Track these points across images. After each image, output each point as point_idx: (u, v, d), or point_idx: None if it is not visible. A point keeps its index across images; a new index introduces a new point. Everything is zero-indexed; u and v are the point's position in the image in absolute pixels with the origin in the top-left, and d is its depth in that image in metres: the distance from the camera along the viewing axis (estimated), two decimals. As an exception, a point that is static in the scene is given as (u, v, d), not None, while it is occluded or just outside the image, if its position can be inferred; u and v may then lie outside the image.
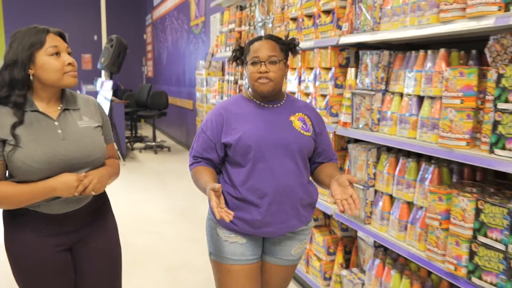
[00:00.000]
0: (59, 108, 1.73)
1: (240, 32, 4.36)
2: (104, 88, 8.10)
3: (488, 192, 1.81)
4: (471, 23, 1.72)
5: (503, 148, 1.63)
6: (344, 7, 2.60)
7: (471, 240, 1.75)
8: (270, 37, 1.87)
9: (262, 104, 1.90)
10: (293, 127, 1.86)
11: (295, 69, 3.13)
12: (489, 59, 1.76)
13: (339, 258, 2.78)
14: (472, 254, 1.74)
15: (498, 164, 1.64)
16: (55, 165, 1.63)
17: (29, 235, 1.70)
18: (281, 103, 1.92)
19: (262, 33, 3.74)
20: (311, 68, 2.93)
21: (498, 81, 1.65)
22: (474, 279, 1.73)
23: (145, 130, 11.87)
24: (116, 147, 1.87)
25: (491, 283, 1.67)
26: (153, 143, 8.99)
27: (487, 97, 1.73)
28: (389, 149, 2.39)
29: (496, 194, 1.77)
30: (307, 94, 2.94)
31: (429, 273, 2.22)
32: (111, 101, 7.60)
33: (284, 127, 1.86)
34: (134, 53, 13.40)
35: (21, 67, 1.61)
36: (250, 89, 1.92)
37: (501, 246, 1.63)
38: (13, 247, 1.73)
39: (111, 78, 8.42)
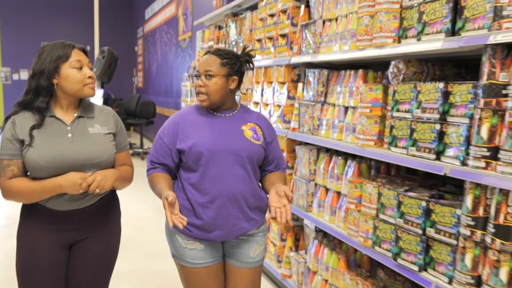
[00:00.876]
0: (75, 115, 1.89)
1: (217, 49, 4.88)
2: (95, 96, 8.56)
3: (390, 181, 2.32)
4: (375, 51, 2.25)
5: (396, 146, 2.15)
6: (295, 33, 3.14)
7: (375, 217, 2.26)
8: (215, 52, 1.98)
9: (215, 113, 2.02)
10: (243, 136, 1.99)
11: (258, 82, 3.66)
12: (390, 79, 2.28)
13: (289, 242, 3.28)
14: (375, 228, 2.25)
15: (393, 158, 2.15)
16: (61, 165, 1.78)
17: (35, 228, 1.87)
18: (234, 113, 2.05)
19: (234, 50, 4.27)
20: (271, 82, 3.46)
21: (393, 95, 2.17)
22: (377, 248, 2.24)
23: (133, 137, 12.33)
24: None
25: (386, 249, 2.18)
26: (140, 150, 9.46)
27: (388, 107, 2.25)
28: (327, 150, 2.91)
29: (395, 183, 2.29)
30: (267, 104, 3.47)
31: (355, 250, 2.73)
32: (101, 109, 8.07)
33: (235, 136, 1.97)
34: (126, 64, 13.93)
35: (47, 76, 1.78)
36: None
37: (392, 220, 2.14)
38: (20, 237, 1.91)
39: (102, 87, 8.92)
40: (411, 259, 2.03)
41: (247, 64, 2.05)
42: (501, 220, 1.62)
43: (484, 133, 1.68)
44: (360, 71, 2.49)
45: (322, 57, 2.72)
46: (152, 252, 4.11)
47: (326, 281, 2.75)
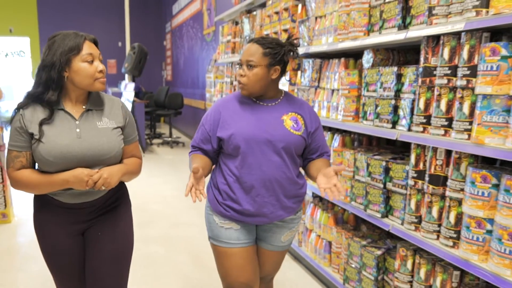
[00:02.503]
0: (83, 108, 1.86)
1: (234, 43, 5.43)
2: (127, 90, 9.27)
3: (366, 150, 2.83)
4: (351, 42, 2.75)
5: (366, 119, 2.65)
6: (294, 28, 3.66)
7: (351, 178, 2.78)
8: (258, 41, 1.97)
9: (257, 102, 2.03)
10: (283, 126, 1.98)
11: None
12: (364, 65, 2.78)
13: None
14: (352, 187, 2.77)
15: (364, 129, 2.66)
16: (69, 161, 1.76)
17: (48, 217, 1.90)
18: (277, 102, 2.05)
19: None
20: (277, 71, 3.98)
21: (364, 78, 2.67)
22: (353, 203, 2.76)
23: (163, 128, 13.05)
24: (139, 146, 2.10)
25: (359, 203, 2.69)
26: (169, 139, 10.12)
27: (362, 89, 2.76)
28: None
29: (370, 151, 2.80)
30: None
31: (344, 210, 3.25)
32: (133, 101, 8.74)
33: (274, 125, 1.97)
34: (155, 58, 14.65)
35: (58, 69, 1.73)
36: None
37: (363, 179, 2.65)
38: (36, 226, 1.94)
39: (133, 81, 9.59)
40: (376, 208, 2.54)
41: (291, 53, 2.01)
42: (432, 170, 2.12)
43: (422, 104, 2.17)
44: (342, 60, 2.99)
45: (313, 49, 3.23)
46: (177, 222, 4.72)
47: (319, 236, 3.28)
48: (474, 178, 1.86)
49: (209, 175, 2.15)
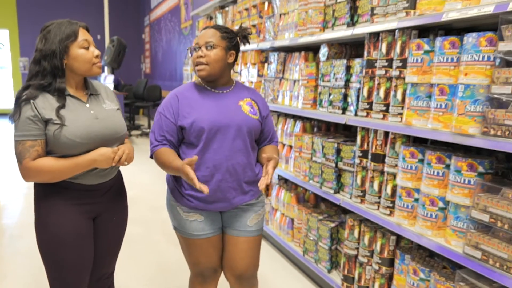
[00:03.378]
0: (85, 93, 1.91)
1: (209, 37, 5.69)
2: (106, 82, 9.45)
3: (323, 135, 3.15)
4: (308, 38, 3.05)
5: (322, 106, 2.96)
6: (261, 23, 3.95)
7: (309, 160, 3.09)
8: (214, 27, 2.02)
9: (212, 90, 2.05)
10: (242, 111, 2.03)
11: (238, 64, 4.48)
12: (320, 58, 3.09)
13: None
14: (310, 168, 3.09)
15: (320, 115, 2.97)
16: (93, 140, 1.80)
17: (60, 205, 1.85)
18: (230, 89, 2.09)
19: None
20: (246, 63, 4.28)
21: (320, 70, 2.98)
22: (311, 182, 3.08)
23: (142, 119, 13.24)
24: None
25: (316, 182, 3.01)
26: (148, 130, 10.34)
27: (319, 79, 3.07)
28: (285, 114, 3.73)
29: (326, 135, 3.11)
30: (243, 82, 4.29)
31: (306, 190, 3.57)
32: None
33: (234, 111, 2.01)
34: (134, 51, 14.79)
35: (59, 56, 1.76)
36: None
37: (320, 160, 2.97)
38: (43, 215, 1.87)
39: (112, 73, 9.78)
40: (329, 185, 2.86)
41: (244, 41, 2.11)
42: (374, 150, 2.45)
43: (365, 92, 2.49)
44: (303, 53, 3.30)
45: (278, 43, 3.53)
46: (154, 205, 5.00)
47: (283, 214, 3.60)
48: (404, 154, 2.19)
49: None
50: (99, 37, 13.87)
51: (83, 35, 1.82)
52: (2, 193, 5.20)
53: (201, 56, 1.96)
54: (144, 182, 6.07)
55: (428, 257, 2.28)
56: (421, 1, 2.06)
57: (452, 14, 1.88)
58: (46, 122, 1.75)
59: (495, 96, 1.70)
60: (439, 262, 2.21)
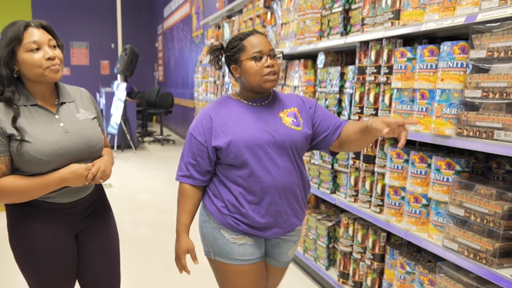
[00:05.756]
0: (55, 102, 1.73)
1: (217, 45, 5.89)
2: (119, 90, 9.70)
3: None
4: (306, 46, 3.22)
5: (319, 111, 3.12)
6: (265, 33, 4.13)
7: (308, 162, 3.24)
8: (261, 33, 1.81)
9: (249, 103, 1.83)
10: (283, 124, 1.81)
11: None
12: (318, 65, 3.25)
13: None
14: (308, 169, 3.24)
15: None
16: (62, 157, 1.64)
17: (37, 224, 1.71)
18: (268, 100, 1.86)
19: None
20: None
21: (318, 77, 3.15)
22: (311, 183, 3.22)
23: (154, 126, 13.51)
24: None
25: (315, 183, 3.16)
26: (160, 137, 10.57)
27: (316, 85, 3.23)
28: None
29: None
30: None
31: (306, 192, 3.71)
32: (125, 100, 9.18)
33: (274, 125, 1.79)
34: (147, 60, 15.11)
35: (4, 64, 1.58)
36: (240, 89, 1.86)
37: (317, 162, 3.12)
38: (19, 237, 1.72)
39: (125, 81, 10.04)
40: (326, 186, 3.02)
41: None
42: (365, 151, 2.60)
43: (357, 97, 2.65)
44: (302, 60, 3.47)
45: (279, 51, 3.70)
46: (164, 209, 5.19)
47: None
48: (391, 155, 2.33)
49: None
50: (113, 45, 14.23)
51: (31, 36, 1.61)
52: None
53: (271, 66, 1.75)
54: (155, 186, 6.27)
55: (416, 252, 2.42)
56: (404, 12, 2.22)
57: (430, 24, 2.03)
58: (10, 137, 1.59)
59: (468, 99, 1.85)
60: (425, 257, 2.35)
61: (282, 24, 3.75)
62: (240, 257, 1.83)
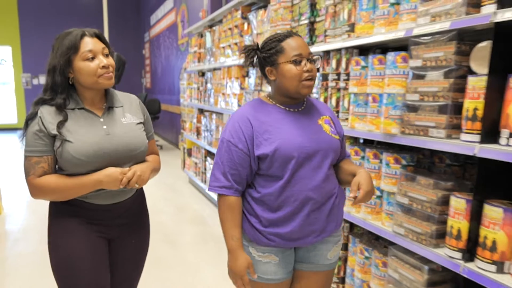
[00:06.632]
0: (103, 106, 1.79)
1: (200, 53, 6.16)
2: (107, 97, 9.92)
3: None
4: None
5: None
6: (242, 42, 4.40)
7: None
8: (298, 35, 1.72)
9: (287, 109, 1.74)
10: (324, 132, 1.75)
11: (224, 78, 4.93)
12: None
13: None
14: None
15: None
16: (102, 159, 1.68)
17: (73, 223, 1.76)
18: (303, 106, 1.79)
19: (208, 56, 5.54)
20: (231, 78, 4.73)
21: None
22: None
23: (143, 133, 13.70)
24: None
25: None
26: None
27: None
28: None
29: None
30: (228, 94, 4.73)
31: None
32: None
33: (317, 133, 1.73)
34: (134, 67, 15.30)
35: (60, 72, 1.66)
36: (273, 92, 1.79)
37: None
38: (55, 235, 1.78)
39: (113, 88, 10.23)
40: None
41: None
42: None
43: (322, 101, 2.92)
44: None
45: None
46: (152, 209, 5.39)
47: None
48: (350, 152, 2.60)
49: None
50: (100, 54, 14.37)
51: (86, 45, 1.69)
52: (7, 202, 5.64)
53: (310, 71, 1.67)
54: (146, 191, 6.49)
55: (374, 239, 2.69)
56: (358, 26, 2.50)
57: (378, 36, 2.31)
58: (54, 137, 1.67)
59: (409, 102, 2.12)
60: (382, 243, 2.62)
61: (257, 34, 4.02)
62: (262, 275, 1.78)
